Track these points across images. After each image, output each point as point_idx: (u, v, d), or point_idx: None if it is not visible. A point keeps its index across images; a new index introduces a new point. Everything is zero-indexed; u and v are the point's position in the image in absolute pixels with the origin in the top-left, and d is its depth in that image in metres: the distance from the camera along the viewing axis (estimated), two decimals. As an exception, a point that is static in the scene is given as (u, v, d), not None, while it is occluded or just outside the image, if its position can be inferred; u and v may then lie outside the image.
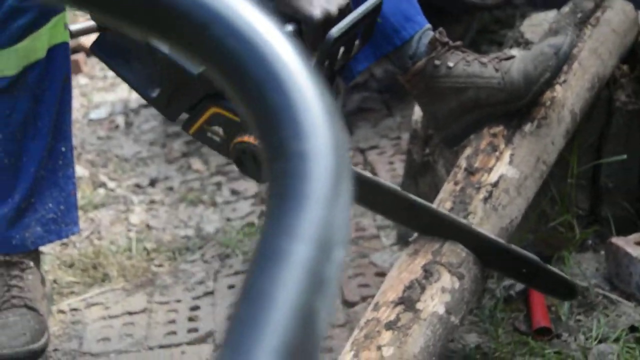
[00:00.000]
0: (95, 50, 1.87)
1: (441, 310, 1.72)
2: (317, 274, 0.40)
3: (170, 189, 2.93)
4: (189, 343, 2.17)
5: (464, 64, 1.97)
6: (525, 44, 2.37)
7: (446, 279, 1.75)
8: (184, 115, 1.83)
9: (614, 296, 2.15)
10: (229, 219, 2.70)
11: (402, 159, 2.92)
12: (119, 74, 1.85)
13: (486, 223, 1.84)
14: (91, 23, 2.29)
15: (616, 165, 2.27)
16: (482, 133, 1.97)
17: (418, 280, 1.74)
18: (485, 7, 3.51)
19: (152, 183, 2.98)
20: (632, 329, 2.02)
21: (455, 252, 1.79)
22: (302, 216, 0.41)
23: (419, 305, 1.71)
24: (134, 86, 1.82)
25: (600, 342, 2.00)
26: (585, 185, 2.29)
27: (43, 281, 2.31)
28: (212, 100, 1.74)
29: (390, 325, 1.68)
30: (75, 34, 2.35)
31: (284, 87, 0.43)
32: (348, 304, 2.25)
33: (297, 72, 0.43)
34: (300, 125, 0.41)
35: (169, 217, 2.75)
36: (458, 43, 1.99)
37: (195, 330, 2.21)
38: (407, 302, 1.71)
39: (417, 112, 2.39)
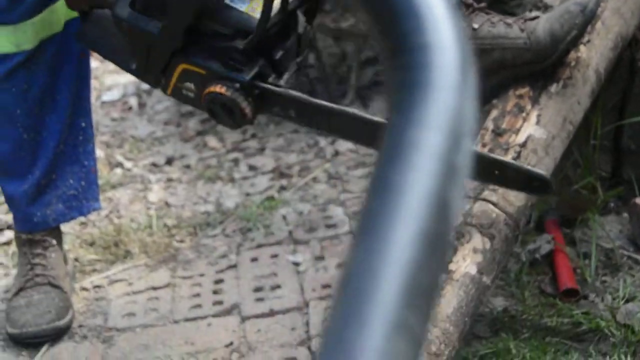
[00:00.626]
0: (80, 39, 1.93)
1: (473, 270, 1.71)
2: (450, 162, 0.39)
3: (187, 166, 2.92)
4: (215, 315, 2.17)
5: (489, 25, 1.96)
6: (545, 8, 2.36)
7: (477, 240, 1.75)
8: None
9: (638, 257, 2.14)
10: (248, 194, 2.69)
11: (419, 130, 2.92)
12: (105, 57, 1.92)
13: (514, 184, 1.82)
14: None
15: (639, 127, 2.26)
16: (508, 95, 1.96)
17: (449, 242, 1.73)
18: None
19: (169, 161, 2.96)
20: (659, 287, 2.02)
21: (485, 212, 1.78)
22: (431, 105, 0.40)
23: (451, 266, 1.70)
24: (118, 64, 1.89)
25: (627, 301, 1.99)
26: (607, 147, 2.28)
27: (65, 259, 2.30)
28: (179, 57, 1.77)
29: (423, 287, 1.67)
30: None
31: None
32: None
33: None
34: (422, 18, 0.41)
35: (188, 194, 2.74)
36: (482, 4, 1.99)
37: (220, 302, 2.21)
38: (440, 263, 1.70)
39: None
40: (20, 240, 2.25)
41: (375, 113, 3.07)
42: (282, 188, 2.70)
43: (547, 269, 2.14)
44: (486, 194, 1.80)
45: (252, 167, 2.85)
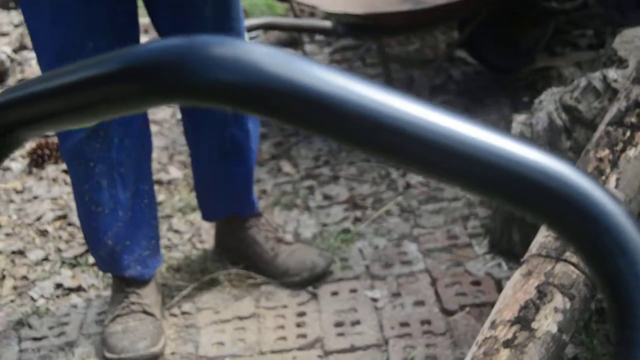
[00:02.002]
0: None
1: (554, 329, 1.83)
2: None
3: (264, 192, 3.05)
4: (299, 349, 2.30)
5: (256, 230, 2.62)
6: (620, 62, 2.46)
7: (558, 300, 1.86)
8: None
9: None
10: (324, 224, 2.82)
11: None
12: None
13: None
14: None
15: None
16: (589, 157, 2.07)
17: (532, 300, 1.85)
18: (562, 11, 3.60)
19: (245, 186, 3.09)
20: None
21: (566, 274, 1.90)
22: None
23: (534, 325, 1.82)
24: None
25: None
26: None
27: (158, 289, 2.45)
28: None
29: (507, 344, 1.79)
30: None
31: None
32: (447, 312, 2.37)
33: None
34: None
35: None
36: (261, 211, 2.68)
37: (304, 336, 2.34)
38: (523, 321, 1.82)
39: (515, 129, 2.49)
40: (114, 279, 2.44)
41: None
42: (357, 219, 2.82)
43: (615, 318, 2.25)
44: (567, 255, 1.92)
45: (326, 197, 2.97)
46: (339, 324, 2.37)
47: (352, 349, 2.28)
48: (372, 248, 2.67)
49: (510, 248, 2.56)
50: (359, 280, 2.53)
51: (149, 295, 2.39)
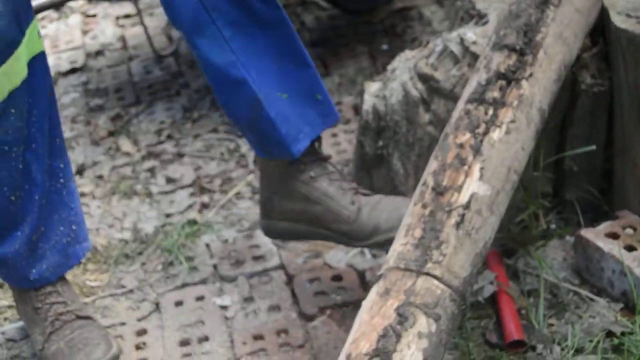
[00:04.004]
0: None
1: (419, 359, 1.58)
2: None
3: (100, 177, 2.72)
4: (140, 378, 2.02)
5: (325, 181, 2.00)
6: (479, 16, 2.19)
7: (422, 323, 1.61)
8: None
9: (584, 292, 2.04)
10: (168, 215, 2.51)
11: (345, 129, 2.76)
12: None
13: (460, 251, 1.69)
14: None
15: (580, 148, 2.13)
16: (448, 143, 1.81)
17: (392, 326, 1.60)
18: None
19: (80, 171, 2.76)
20: (609, 333, 1.92)
21: (430, 290, 1.64)
22: None
23: (396, 357, 1.57)
24: None
25: (576, 351, 1.89)
26: (548, 169, 2.16)
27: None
28: None
29: (366, 384, 1.54)
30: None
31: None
32: (306, 317, 2.11)
33: None
34: None
35: (103, 214, 2.55)
36: (329, 156, 2.04)
37: (145, 361, 2.06)
38: (383, 354, 1.57)
39: (368, 102, 2.21)
40: (21, 295, 2.06)
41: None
42: (204, 206, 2.52)
43: (490, 312, 2.03)
44: (429, 267, 1.66)
45: (170, 180, 2.66)
46: (184, 343, 2.09)
47: (200, 373, 2.00)
48: (221, 242, 2.38)
49: (372, 233, 2.30)
50: (207, 285, 2.25)
51: (74, 299, 2.07)
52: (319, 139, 2.02)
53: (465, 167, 1.77)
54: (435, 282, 1.65)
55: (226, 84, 1.94)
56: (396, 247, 1.72)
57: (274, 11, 1.96)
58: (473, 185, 1.75)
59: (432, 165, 1.80)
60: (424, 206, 1.74)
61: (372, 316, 1.63)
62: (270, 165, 2.03)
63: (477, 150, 1.79)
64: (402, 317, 1.61)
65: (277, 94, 1.95)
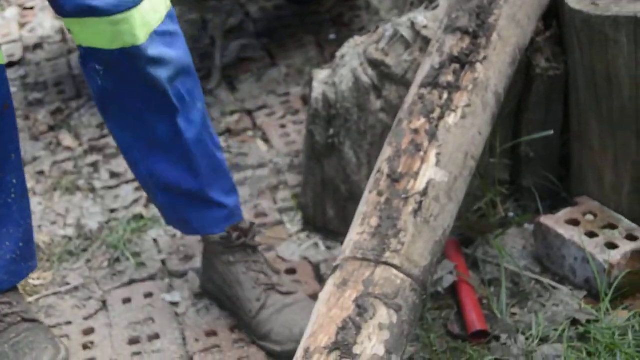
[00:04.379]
0: None
1: (381, 351, 1.52)
2: None
3: (41, 173, 2.62)
4: (88, 380, 1.94)
5: (242, 268, 1.98)
6: (430, 1, 2.14)
7: (383, 314, 1.55)
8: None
9: (546, 280, 2.00)
10: (112, 210, 2.43)
11: (294, 120, 2.70)
12: None
13: (419, 239, 1.63)
14: None
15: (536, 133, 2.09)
16: (403, 128, 1.75)
17: (352, 318, 1.54)
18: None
19: (19, 168, 2.65)
20: (573, 322, 1.88)
21: (389, 280, 1.58)
22: None
23: (356, 349, 1.51)
24: None
25: (542, 340, 1.85)
26: (504, 155, 2.12)
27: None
28: None
29: (326, 378, 1.48)
30: None
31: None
32: (260, 312, 2.04)
33: None
34: None
35: (45, 211, 2.46)
36: (258, 244, 2.02)
37: (93, 361, 1.97)
38: (342, 346, 1.51)
39: (317, 90, 2.15)
40: None
41: (244, 98, 2.82)
42: (150, 201, 2.44)
43: (451, 302, 1.98)
44: (387, 256, 1.60)
45: (114, 174, 2.57)
46: (134, 341, 2.01)
47: (151, 373, 1.93)
48: (169, 237, 2.30)
49: (325, 224, 2.24)
50: (155, 281, 2.17)
51: (20, 301, 1.98)
52: (244, 229, 1.99)
53: (421, 153, 1.72)
54: (395, 271, 1.60)
55: None
56: (352, 236, 1.66)
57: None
58: (430, 172, 1.70)
59: (387, 151, 1.75)
60: (380, 194, 1.68)
61: (329, 308, 1.57)
62: (204, 239, 2.03)
63: (432, 136, 1.73)
64: (362, 309, 1.55)
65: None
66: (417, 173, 1.70)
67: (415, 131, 1.75)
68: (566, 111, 2.09)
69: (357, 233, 1.66)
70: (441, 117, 1.76)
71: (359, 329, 1.53)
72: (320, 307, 1.59)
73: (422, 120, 1.76)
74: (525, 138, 2.07)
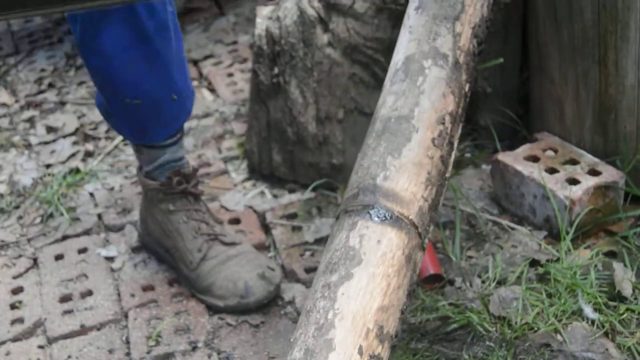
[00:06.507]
0: None
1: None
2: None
3: (-26, 130, 2.48)
4: (14, 339, 1.79)
5: (183, 217, 1.84)
6: None
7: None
8: None
9: (505, 222, 1.87)
10: (48, 165, 2.28)
11: (242, 68, 2.56)
12: None
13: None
14: None
15: (493, 68, 1.96)
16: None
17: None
18: None
19: (-48, 124, 2.51)
20: (532, 262, 1.75)
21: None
22: None
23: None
24: None
25: (499, 283, 1.72)
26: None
27: None
28: None
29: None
30: None
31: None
32: (202, 264, 1.90)
33: None
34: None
35: (-24, 169, 2.31)
36: (199, 192, 1.87)
37: (20, 321, 1.83)
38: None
39: (260, 25, 2.00)
40: None
41: (190, 48, 2.67)
42: (88, 154, 2.30)
43: (403, 247, 1.84)
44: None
45: (51, 129, 2.42)
46: (65, 299, 1.86)
47: (83, 330, 1.78)
48: (106, 190, 2.15)
49: (272, 171, 2.10)
50: (90, 236, 2.03)
51: None
52: (187, 174, 1.84)
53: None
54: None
55: None
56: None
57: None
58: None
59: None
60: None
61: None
62: (144, 185, 1.86)
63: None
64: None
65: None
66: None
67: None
68: (525, 50, 1.96)
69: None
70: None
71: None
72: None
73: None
74: (479, 65, 1.93)
